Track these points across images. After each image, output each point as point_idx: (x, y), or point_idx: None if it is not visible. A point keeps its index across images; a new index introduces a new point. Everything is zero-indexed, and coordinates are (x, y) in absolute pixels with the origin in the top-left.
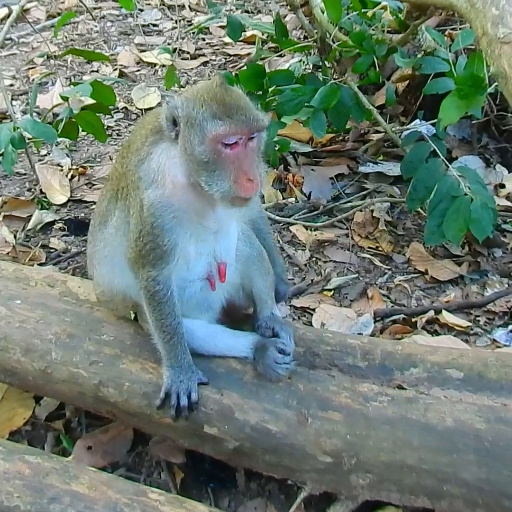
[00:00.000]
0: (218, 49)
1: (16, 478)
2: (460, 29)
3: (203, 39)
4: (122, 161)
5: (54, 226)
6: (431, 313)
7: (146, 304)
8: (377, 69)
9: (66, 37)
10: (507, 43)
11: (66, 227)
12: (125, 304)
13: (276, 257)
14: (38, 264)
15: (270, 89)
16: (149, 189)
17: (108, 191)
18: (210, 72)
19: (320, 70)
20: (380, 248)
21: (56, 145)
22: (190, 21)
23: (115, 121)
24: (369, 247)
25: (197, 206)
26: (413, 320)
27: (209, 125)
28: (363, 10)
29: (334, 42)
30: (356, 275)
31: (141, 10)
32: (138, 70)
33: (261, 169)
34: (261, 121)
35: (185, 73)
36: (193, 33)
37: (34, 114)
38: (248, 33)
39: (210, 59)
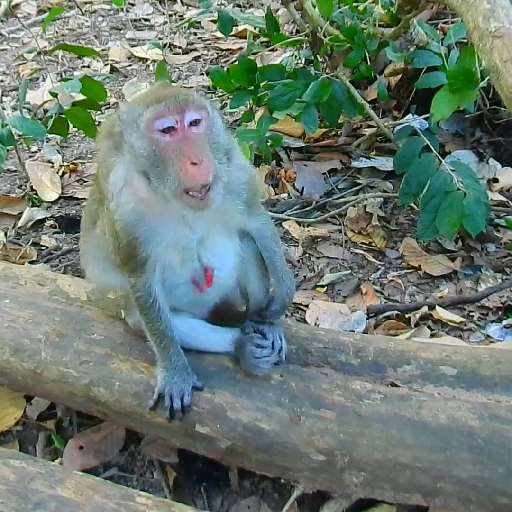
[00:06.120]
0: (210, 44)
1: (0, 484)
2: (452, 22)
3: (195, 34)
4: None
5: (45, 224)
6: (424, 309)
7: (135, 307)
8: (369, 63)
9: (57, 32)
10: (498, 37)
11: (57, 224)
12: (115, 303)
13: (282, 277)
14: (29, 262)
15: (261, 84)
16: (115, 201)
17: (94, 191)
18: (202, 66)
19: (312, 64)
20: (373, 244)
21: (47, 142)
22: (181, 16)
23: (107, 117)
24: (362, 243)
25: (167, 216)
26: (406, 316)
27: (141, 116)
28: (354, 4)
29: (325, 37)
30: (349, 271)
31: (132, 5)
32: (130, 65)
33: (214, 158)
34: (193, 100)
35: (177, 68)
36: (185, 27)
37: (25, 110)
38: (240, 28)
39: (202, 54)
